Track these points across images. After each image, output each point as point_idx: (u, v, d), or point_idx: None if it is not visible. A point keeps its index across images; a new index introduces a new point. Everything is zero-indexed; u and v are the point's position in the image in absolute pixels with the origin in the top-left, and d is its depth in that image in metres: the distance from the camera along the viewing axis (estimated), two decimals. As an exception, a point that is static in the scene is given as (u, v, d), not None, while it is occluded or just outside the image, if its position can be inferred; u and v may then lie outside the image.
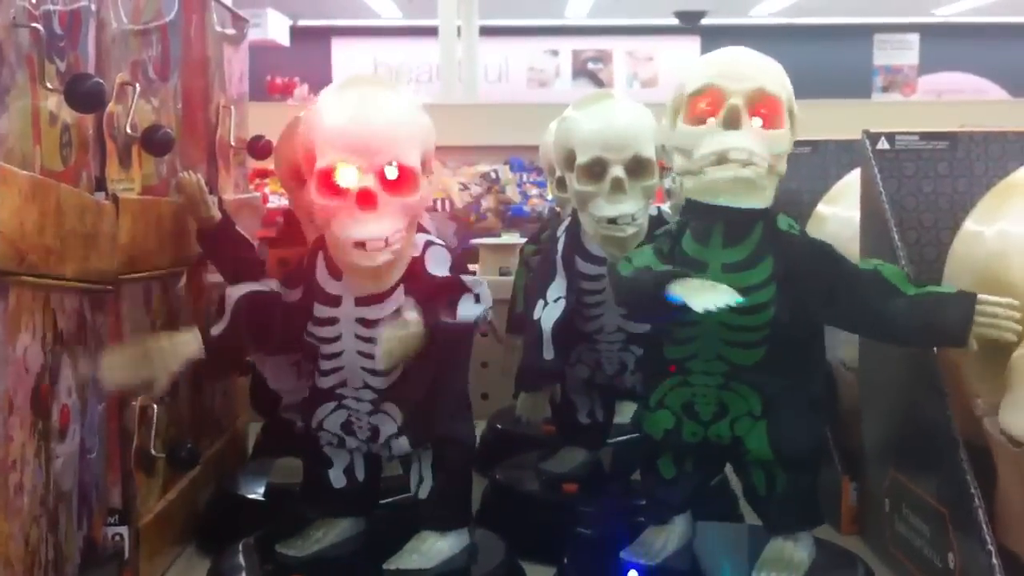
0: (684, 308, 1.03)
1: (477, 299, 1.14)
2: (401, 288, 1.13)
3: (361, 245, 1.07)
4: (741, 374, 1.12)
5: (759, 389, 1.13)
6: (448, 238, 1.25)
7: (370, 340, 1.12)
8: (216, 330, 1.15)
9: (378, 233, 1.07)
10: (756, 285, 1.09)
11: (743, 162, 1.05)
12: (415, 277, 1.13)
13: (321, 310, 1.15)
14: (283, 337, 1.19)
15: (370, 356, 1.13)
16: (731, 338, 1.11)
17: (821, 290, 1.10)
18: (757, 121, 1.08)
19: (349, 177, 1.07)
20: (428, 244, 1.16)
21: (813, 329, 1.15)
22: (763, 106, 1.08)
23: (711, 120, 1.08)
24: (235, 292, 1.18)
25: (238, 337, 1.16)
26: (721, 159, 1.06)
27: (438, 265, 1.15)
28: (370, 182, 1.07)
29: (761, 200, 1.08)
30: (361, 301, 1.13)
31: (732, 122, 1.06)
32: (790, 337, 1.11)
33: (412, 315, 1.07)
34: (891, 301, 1.08)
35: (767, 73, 1.09)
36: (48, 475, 1.00)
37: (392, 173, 1.08)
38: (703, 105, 1.09)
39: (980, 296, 1.05)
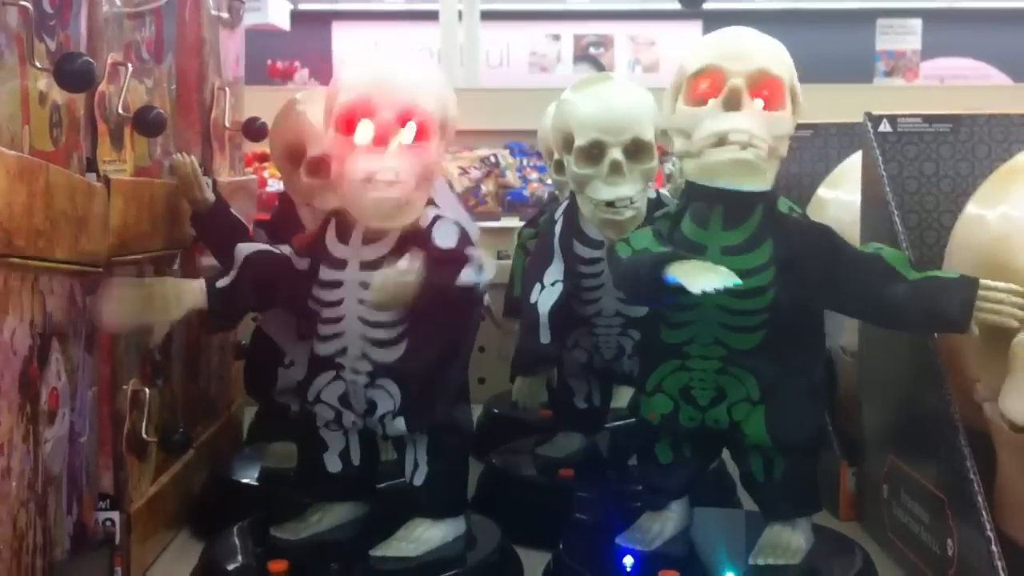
0: (681, 290, 1.02)
1: (480, 269, 1.12)
2: (406, 257, 1.12)
3: (370, 177, 1.08)
4: (739, 358, 1.11)
5: (757, 374, 1.11)
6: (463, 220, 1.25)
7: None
8: (222, 283, 1.16)
9: (388, 166, 1.08)
10: (755, 268, 1.07)
11: (743, 144, 1.04)
12: (420, 246, 1.12)
13: (326, 273, 1.15)
14: (287, 299, 1.20)
15: (371, 324, 1.13)
16: (729, 322, 1.09)
17: (821, 274, 1.08)
18: (759, 103, 1.06)
19: (365, 123, 1.10)
20: (437, 217, 1.15)
21: (813, 313, 1.14)
22: (765, 87, 1.06)
23: (712, 101, 1.06)
24: (245, 248, 1.18)
25: (243, 293, 1.17)
26: (721, 141, 1.05)
27: (445, 238, 1.14)
28: (385, 123, 1.09)
29: (761, 183, 1.06)
30: (366, 265, 1.13)
31: (733, 103, 1.05)
32: (789, 321, 1.10)
33: (411, 262, 1.07)
34: (892, 286, 1.07)
35: (769, 53, 1.08)
36: (37, 459, 0.99)
37: (407, 117, 1.10)
38: (704, 86, 1.07)
39: (982, 281, 1.04)
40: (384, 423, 1.17)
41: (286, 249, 1.20)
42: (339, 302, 1.15)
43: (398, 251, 1.11)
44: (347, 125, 1.10)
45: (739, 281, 1.02)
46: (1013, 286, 1.03)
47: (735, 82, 1.05)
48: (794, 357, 1.12)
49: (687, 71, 1.09)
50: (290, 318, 1.36)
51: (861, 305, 1.11)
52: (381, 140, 1.09)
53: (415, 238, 1.12)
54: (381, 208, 1.10)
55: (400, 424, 1.16)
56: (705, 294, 1.01)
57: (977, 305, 1.03)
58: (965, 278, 1.05)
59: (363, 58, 1.15)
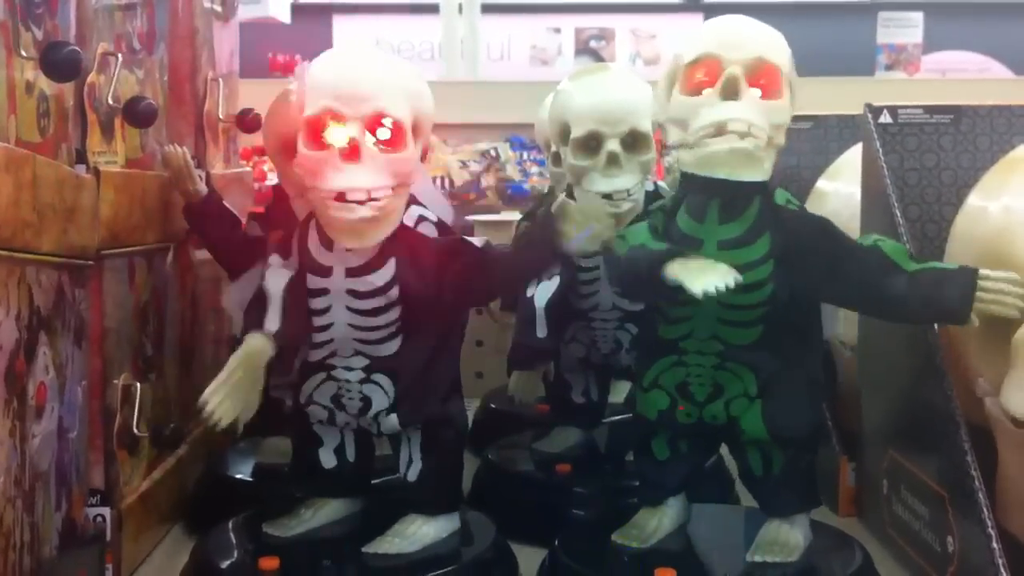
0: (680, 290, 1.00)
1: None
2: (393, 260, 1.10)
3: (341, 196, 1.04)
4: (737, 354, 1.09)
5: (755, 368, 1.10)
6: (444, 211, 1.23)
7: (361, 312, 1.10)
8: (272, 326, 1.09)
9: (360, 183, 1.04)
10: (753, 262, 1.05)
11: (741, 133, 1.01)
12: (409, 246, 1.10)
13: (313, 281, 1.12)
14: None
15: (362, 328, 1.11)
16: (727, 317, 1.08)
17: (820, 267, 1.06)
18: (756, 91, 1.04)
19: (335, 129, 1.04)
20: (421, 218, 1.13)
21: (811, 306, 1.12)
22: (762, 76, 1.04)
23: (708, 90, 1.03)
24: (276, 283, 1.11)
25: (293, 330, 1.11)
26: (719, 130, 1.02)
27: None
28: (354, 131, 1.04)
29: (759, 173, 1.03)
30: (351, 272, 1.10)
31: (730, 92, 1.02)
32: (788, 315, 1.08)
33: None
34: (891, 278, 1.05)
35: (766, 41, 1.05)
36: (24, 455, 0.97)
37: (378, 126, 1.05)
38: (701, 75, 1.04)
39: (982, 271, 1.02)
40: (378, 420, 1.15)
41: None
42: (326, 309, 1.12)
43: (383, 255, 1.10)
44: (315, 138, 1.05)
45: (740, 278, 1.01)
46: (1013, 275, 1.02)
47: (732, 70, 1.02)
48: (792, 351, 1.11)
49: (683, 60, 1.06)
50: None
51: (860, 298, 1.10)
52: (351, 150, 1.03)
53: (400, 238, 1.10)
54: (353, 228, 1.06)
55: (394, 421, 1.15)
56: (707, 295, 0.99)
57: (977, 295, 1.01)
58: (965, 268, 1.04)
59: (329, 59, 1.08)
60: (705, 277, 1.00)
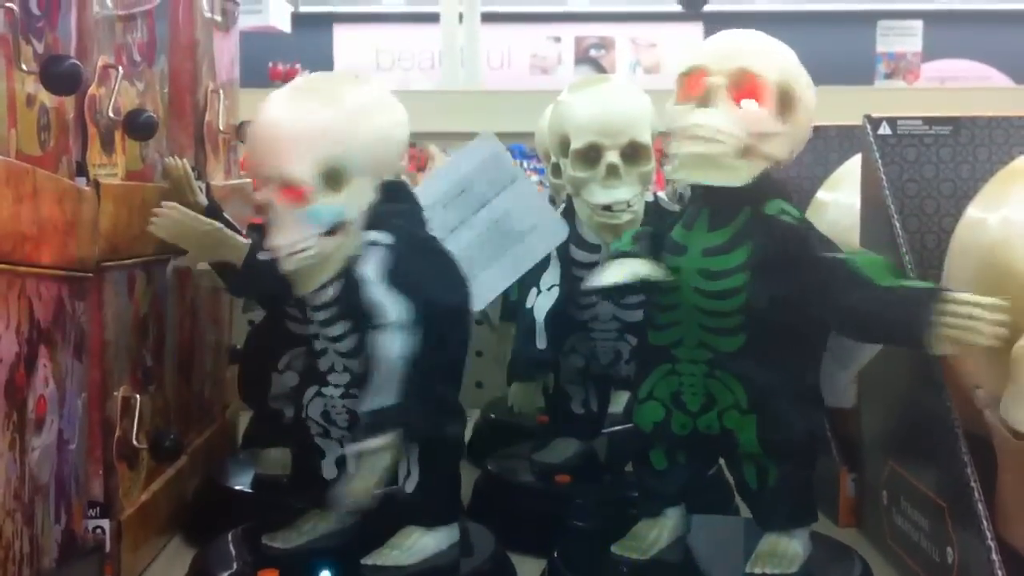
0: (616, 288, 1.08)
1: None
2: (341, 281, 1.10)
3: (279, 251, 1.06)
4: (725, 362, 1.10)
5: (743, 378, 1.09)
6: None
7: (321, 323, 1.13)
8: (263, 255, 1.12)
9: (278, 242, 1.06)
10: (728, 270, 1.07)
11: (704, 138, 1.03)
12: (350, 276, 1.10)
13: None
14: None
15: (330, 339, 1.13)
16: (708, 323, 1.09)
17: (789, 278, 1.05)
18: (751, 102, 1.05)
19: (256, 191, 1.09)
20: (373, 244, 1.11)
21: (804, 318, 1.10)
22: (748, 86, 1.05)
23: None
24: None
25: (275, 275, 1.12)
26: (685, 135, 1.05)
27: (372, 268, 1.10)
28: (266, 195, 1.06)
29: (728, 178, 1.04)
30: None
31: (706, 100, 1.05)
32: (772, 325, 1.07)
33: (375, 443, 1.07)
34: (855, 292, 1.01)
35: (756, 53, 1.06)
36: (23, 468, 0.97)
37: (289, 186, 1.05)
38: (689, 86, 1.07)
39: (947, 293, 0.95)
40: None
41: None
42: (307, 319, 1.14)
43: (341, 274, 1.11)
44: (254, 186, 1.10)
45: (647, 276, 1.06)
46: (984, 299, 0.94)
47: (712, 80, 1.05)
48: (784, 363, 1.09)
49: (678, 72, 1.09)
50: None
51: (826, 312, 1.05)
52: (262, 209, 1.06)
53: (346, 268, 1.11)
54: (297, 275, 1.09)
55: None
56: (592, 288, 1.07)
57: (945, 320, 0.94)
58: (931, 289, 0.98)
59: (262, 110, 1.07)
60: (609, 272, 1.07)
